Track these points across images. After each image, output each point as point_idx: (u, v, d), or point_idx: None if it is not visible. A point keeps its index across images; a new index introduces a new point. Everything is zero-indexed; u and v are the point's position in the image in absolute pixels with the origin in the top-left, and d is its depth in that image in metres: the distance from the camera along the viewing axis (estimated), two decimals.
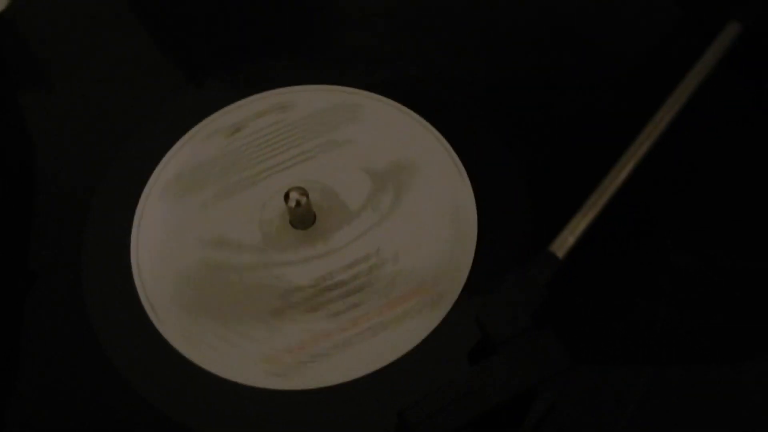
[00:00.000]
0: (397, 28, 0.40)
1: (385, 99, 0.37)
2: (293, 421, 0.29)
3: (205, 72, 0.39)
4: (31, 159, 0.36)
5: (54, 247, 0.33)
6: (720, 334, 0.30)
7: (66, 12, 0.42)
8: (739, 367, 0.29)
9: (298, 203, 0.32)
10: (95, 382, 0.30)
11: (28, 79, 0.39)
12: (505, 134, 0.36)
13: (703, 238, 0.33)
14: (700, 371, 0.29)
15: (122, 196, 0.35)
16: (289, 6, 0.41)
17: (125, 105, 0.38)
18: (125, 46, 0.40)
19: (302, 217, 0.33)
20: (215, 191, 0.35)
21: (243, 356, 0.30)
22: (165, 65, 0.40)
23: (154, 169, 0.36)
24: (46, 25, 0.42)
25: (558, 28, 0.39)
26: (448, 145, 0.35)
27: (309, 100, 0.37)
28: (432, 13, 0.40)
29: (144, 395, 0.30)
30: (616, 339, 0.30)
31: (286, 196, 0.32)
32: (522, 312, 0.28)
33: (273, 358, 0.30)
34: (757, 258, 0.32)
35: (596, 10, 0.40)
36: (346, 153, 0.35)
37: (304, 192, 0.32)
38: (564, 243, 0.30)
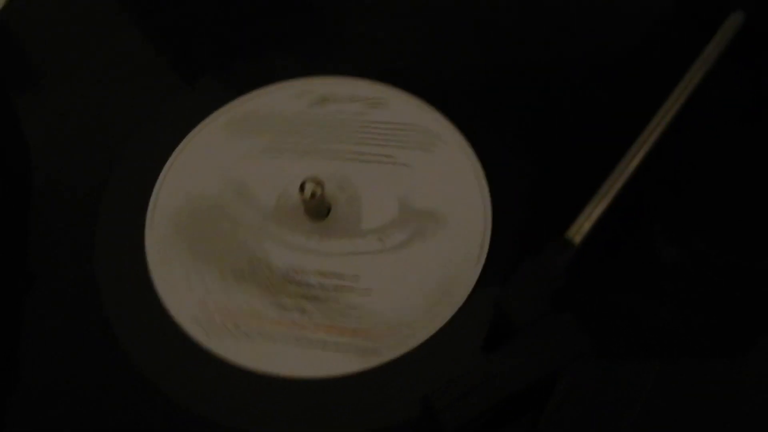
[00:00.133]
0: None
1: (468, 150, 0.36)
2: (304, 410, 0.30)
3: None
4: (34, 158, 0.37)
5: (66, 239, 0.34)
6: (718, 331, 0.31)
7: (62, 12, 0.42)
8: (737, 364, 0.30)
9: (313, 194, 0.33)
10: (105, 364, 0.31)
11: (25, 80, 0.39)
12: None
13: (697, 233, 0.33)
14: (699, 368, 0.30)
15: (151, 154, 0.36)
16: None
17: (158, 77, 0.39)
18: (151, 29, 0.41)
19: (313, 210, 0.34)
20: (267, 143, 0.36)
21: (190, 293, 0.32)
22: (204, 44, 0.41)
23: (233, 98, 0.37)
24: (41, 25, 0.41)
25: (564, 23, 0.40)
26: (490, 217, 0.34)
27: (401, 108, 0.37)
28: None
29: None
30: (619, 337, 0.31)
31: (302, 186, 0.33)
32: (540, 297, 0.29)
33: (206, 308, 0.32)
34: (756, 256, 0.32)
35: (604, 3, 0.40)
36: (395, 174, 0.35)
37: (320, 184, 0.32)
38: (580, 229, 0.31)
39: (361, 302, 0.32)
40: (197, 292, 0.32)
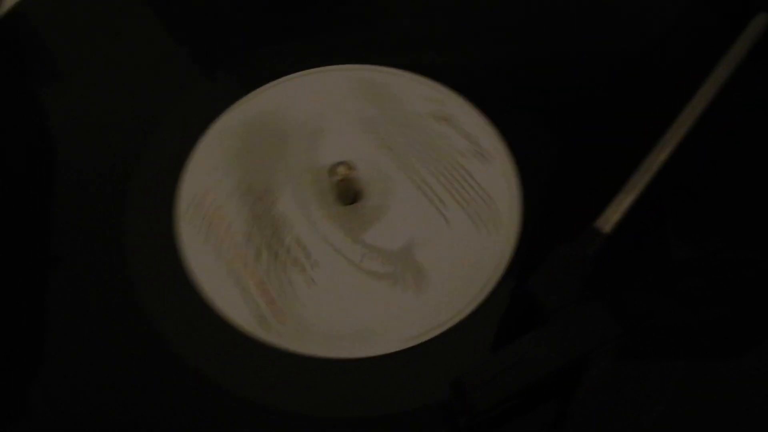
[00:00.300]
0: None
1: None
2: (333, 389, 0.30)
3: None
4: (61, 146, 0.36)
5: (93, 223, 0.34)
6: (732, 330, 0.31)
7: (75, 5, 0.42)
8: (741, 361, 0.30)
9: (343, 178, 0.33)
10: (131, 334, 0.31)
11: (45, 72, 0.39)
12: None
13: (712, 232, 0.33)
14: (703, 366, 0.30)
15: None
16: None
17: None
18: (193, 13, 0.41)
19: (337, 192, 0.34)
20: (356, 118, 0.36)
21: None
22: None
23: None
24: (57, 18, 0.41)
25: (598, 19, 0.40)
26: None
27: (496, 176, 0.35)
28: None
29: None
30: (636, 335, 0.30)
31: (334, 169, 0.33)
32: (570, 283, 0.29)
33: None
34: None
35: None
36: (430, 218, 0.33)
37: (350, 168, 0.33)
38: (609, 219, 0.31)
39: (301, 286, 0.32)
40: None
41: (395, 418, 0.29)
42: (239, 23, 0.41)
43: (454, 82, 0.37)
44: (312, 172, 0.35)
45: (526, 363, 0.27)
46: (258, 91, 0.38)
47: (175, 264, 0.33)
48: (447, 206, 0.34)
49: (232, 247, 0.33)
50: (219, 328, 0.31)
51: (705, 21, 0.40)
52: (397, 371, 0.30)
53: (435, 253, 0.32)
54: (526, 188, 0.34)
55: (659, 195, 0.33)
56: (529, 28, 0.40)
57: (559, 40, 0.39)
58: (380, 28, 0.40)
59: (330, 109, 0.37)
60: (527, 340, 0.28)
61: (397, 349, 0.30)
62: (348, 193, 0.34)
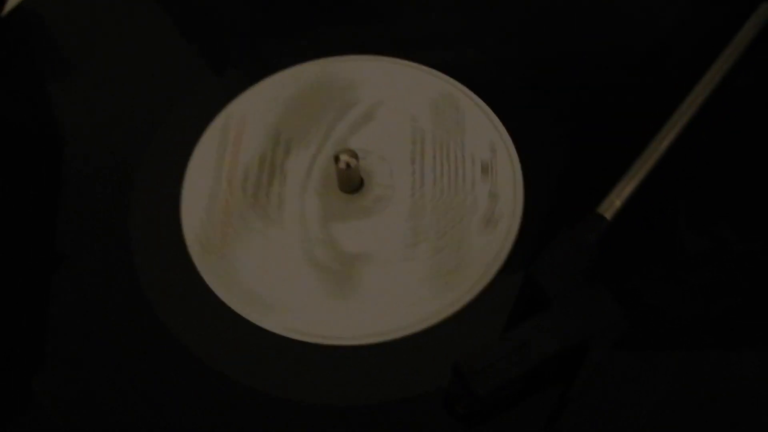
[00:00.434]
0: None
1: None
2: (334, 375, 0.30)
3: None
4: (70, 141, 0.37)
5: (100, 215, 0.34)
6: (740, 321, 0.30)
7: (80, 2, 0.42)
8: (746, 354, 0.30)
9: (348, 165, 0.33)
10: (134, 321, 0.31)
11: (51, 68, 0.39)
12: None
13: (721, 222, 0.33)
14: (722, 358, 0.30)
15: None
16: None
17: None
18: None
19: (344, 182, 0.34)
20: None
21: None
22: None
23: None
24: (62, 15, 0.42)
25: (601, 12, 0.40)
26: None
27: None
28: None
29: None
30: (641, 325, 0.30)
31: (337, 158, 0.33)
32: (573, 269, 0.29)
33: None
34: None
35: None
36: (402, 219, 0.33)
37: (354, 156, 0.33)
38: (611, 205, 0.31)
39: (256, 233, 0.33)
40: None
41: (395, 405, 0.29)
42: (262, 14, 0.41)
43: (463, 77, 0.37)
44: (338, 145, 0.35)
45: (526, 348, 0.27)
46: (341, 58, 0.38)
47: (182, 258, 0.33)
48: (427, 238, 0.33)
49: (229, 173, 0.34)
50: (226, 320, 0.31)
51: (712, 20, 0.39)
52: (397, 358, 0.30)
53: (384, 274, 0.32)
54: (530, 184, 0.34)
55: (665, 184, 0.33)
56: (536, 26, 0.40)
57: (565, 37, 0.39)
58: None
59: (396, 102, 0.37)
60: (528, 326, 0.27)
61: (398, 336, 0.30)
62: (348, 182, 0.34)
